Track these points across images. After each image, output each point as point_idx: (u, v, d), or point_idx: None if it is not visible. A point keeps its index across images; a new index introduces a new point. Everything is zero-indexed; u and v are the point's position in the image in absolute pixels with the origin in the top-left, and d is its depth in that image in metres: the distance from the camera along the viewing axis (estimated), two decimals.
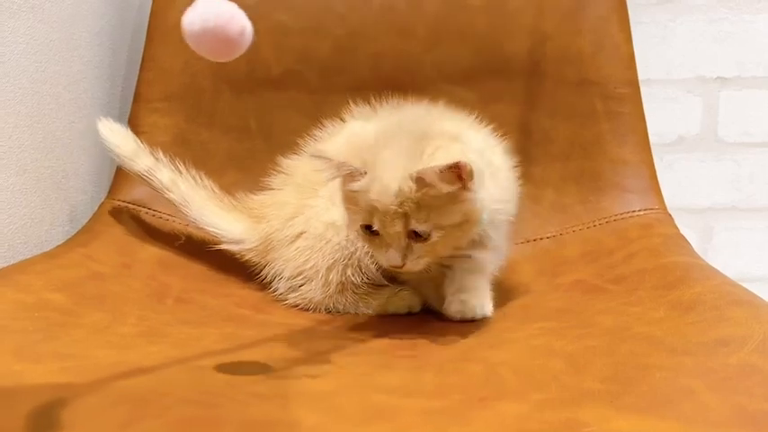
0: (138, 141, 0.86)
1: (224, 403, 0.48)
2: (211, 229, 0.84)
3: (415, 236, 0.64)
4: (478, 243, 0.71)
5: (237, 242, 0.83)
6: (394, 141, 0.65)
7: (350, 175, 0.64)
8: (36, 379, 0.51)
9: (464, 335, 0.67)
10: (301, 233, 0.78)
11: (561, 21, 0.96)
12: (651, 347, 0.56)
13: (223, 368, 0.56)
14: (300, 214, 0.79)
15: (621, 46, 0.95)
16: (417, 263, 0.65)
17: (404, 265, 0.65)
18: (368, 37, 0.98)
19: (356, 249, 0.75)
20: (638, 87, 0.94)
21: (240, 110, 0.98)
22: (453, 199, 0.62)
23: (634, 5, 0.99)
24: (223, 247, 0.83)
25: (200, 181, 0.86)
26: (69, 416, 0.45)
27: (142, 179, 0.85)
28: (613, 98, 0.94)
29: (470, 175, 0.61)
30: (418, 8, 0.98)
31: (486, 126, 0.76)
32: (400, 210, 0.62)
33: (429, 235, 0.63)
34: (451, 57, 0.98)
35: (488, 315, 0.71)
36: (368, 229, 0.65)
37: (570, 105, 0.95)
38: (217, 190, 0.87)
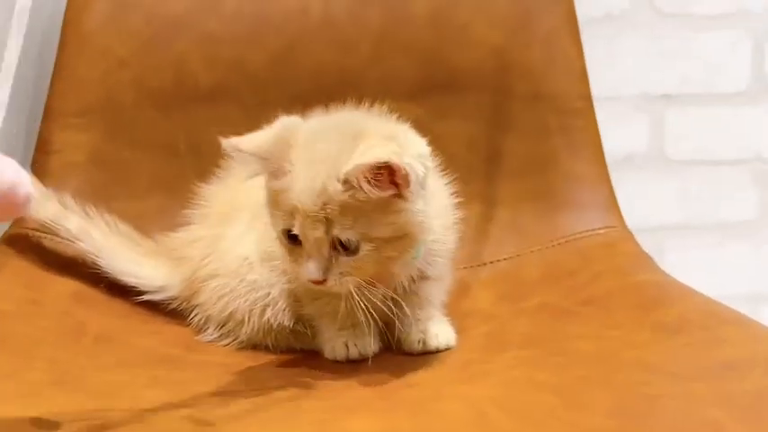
0: (43, 187, 0.76)
1: None
2: (130, 279, 0.74)
3: (342, 248, 0.55)
4: (420, 276, 0.64)
5: (160, 290, 0.74)
6: (325, 138, 0.57)
7: (273, 172, 0.57)
8: None
9: (430, 370, 0.60)
10: (216, 271, 0.69)
11: (511, 33, 0.92)
12: (648, 374, 0.50)
13: (147, 419, 0.47)
14: (215, 250, 0.70)
15: (573, 59, 0.92)
16: (341, 281, 0.56)
17: (325, 280, 0.56)
18: (307, 49, 0.91)
19: (272, 288, 0.66)
20: (591, 101, 0.91)
21: (166, 126, 0.89)
22: (386, 207, 0.55)
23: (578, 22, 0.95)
24: (146, 297, 0.74)
25: (113, 226, 0.77)
26: None
27: (48, 229, 0.76)
28: (567, 112, 0.90)
29: (406, 180, 0.54)
30: (360, 21, 0.91)
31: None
32: (322, 212, 0.54)
33: (357, 247, 0.55)
34: (397, 71, 0.92)
35: (452, 344, 0.65)
36: (289, 236, 0.57)
37: (522, 120, 0.90)
38: (134, 234, 0.78)
